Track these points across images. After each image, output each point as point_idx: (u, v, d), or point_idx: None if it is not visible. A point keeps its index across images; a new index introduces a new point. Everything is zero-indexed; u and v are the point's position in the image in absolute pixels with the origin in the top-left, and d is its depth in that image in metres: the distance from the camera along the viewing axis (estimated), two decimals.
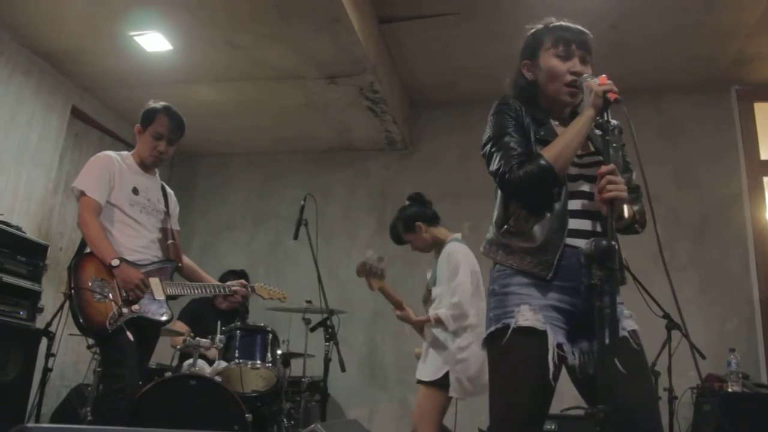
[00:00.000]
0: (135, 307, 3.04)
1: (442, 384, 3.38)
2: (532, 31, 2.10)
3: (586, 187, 1.95)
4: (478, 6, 4.87)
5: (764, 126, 5.71)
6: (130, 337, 2.95)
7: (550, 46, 2.01)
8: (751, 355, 5.04)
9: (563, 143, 1.88)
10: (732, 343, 4.61)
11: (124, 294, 3.02)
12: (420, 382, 3.49)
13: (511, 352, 1.84)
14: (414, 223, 3.63)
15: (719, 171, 5.61)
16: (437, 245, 3.66)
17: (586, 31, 2.03)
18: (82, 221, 3.08)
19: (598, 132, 1.95)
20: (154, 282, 3.18)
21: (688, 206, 5.59)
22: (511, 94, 2.10)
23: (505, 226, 1.97)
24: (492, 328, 1.89)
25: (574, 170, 1.95)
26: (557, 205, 1.89)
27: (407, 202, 3.76)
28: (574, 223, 1.90)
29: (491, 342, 1.90)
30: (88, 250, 3.11)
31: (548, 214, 1.90)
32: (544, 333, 1.81)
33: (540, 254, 1.87)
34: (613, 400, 1.58)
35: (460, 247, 3.55)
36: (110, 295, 2.99)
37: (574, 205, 1.93)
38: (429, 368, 3.46)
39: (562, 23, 2.04)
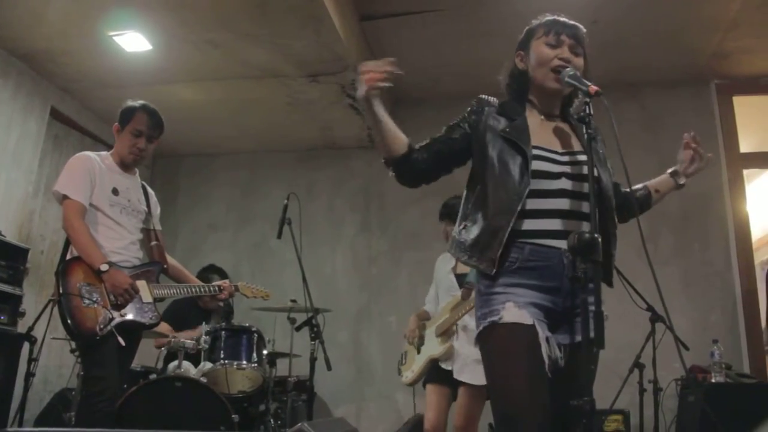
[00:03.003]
0: (124, 311, 3.02)
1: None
2: (528, 27, 2.14)
3: (568, 185, 1.94)
4: (460, 3, 4.87)
5: (743, 119, 5.77)
6: (122, 342, 2.92)
7: (541, 34, 2.06)
8: (733, 346, 5.10)
9: (379, 139, 2.13)
10: (715, 335, 4.65)
11: (113, 298, 2.99)
12: (466, 384, 3.46)
13: (501, 346, 1.86)
14: None
15: None
16: None
17: (579, 25, 2.07)
18: (69, 225, 3.04)
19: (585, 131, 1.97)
20: (141, 285, 3.15)
21: (670, 199, 5.55)
22: (503, 84, 2.17)
23: (463, 223, 2.04)
24: (480, 327, 1.91)
25: (554, 168, 1.95)
26: (511, 203, 1.90)
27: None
28: (557, 224, 1.91)
29: (482, 341, 1.93)
30: (72, 253, 3.08)
31: (496, 210, 1.93)
32: (531, 327, 1.83)
33: (486, 251, 1.91)
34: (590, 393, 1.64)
35: None
36: (99, 300, 2.96)
37: (561, 204, 1.93)
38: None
39: (556, 17, 2.08)
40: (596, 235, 1.66)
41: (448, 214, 3.74)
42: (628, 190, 2.25)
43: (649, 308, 3.82)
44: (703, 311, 5.31)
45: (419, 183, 2.16)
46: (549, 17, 2.09)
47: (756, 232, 5.78)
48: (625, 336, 3.98)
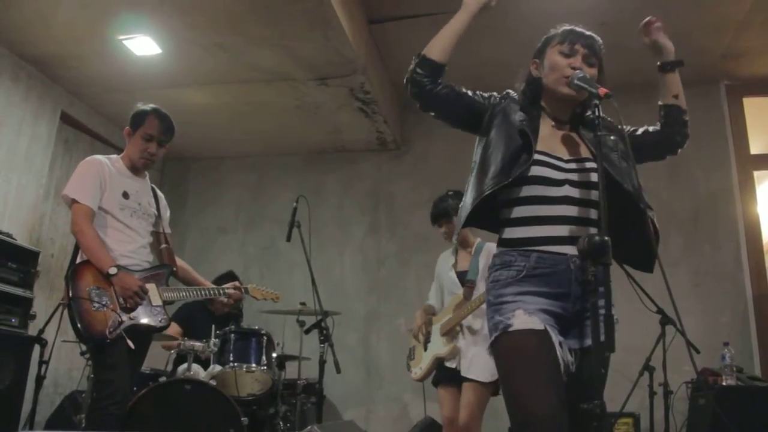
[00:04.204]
0: (133, 314, 3.02)
1: (496, 386, 3.38)
2: (545, 36, 2.17)
3: (574, 193, 1.95)
4: None
5: (754, 120, 5.74)
6: (131, 345, 2.93)
7: (557, 43, 2.08)
8: (744, 349, 5.07)
9: (438, 34, 2.10)
10: (725, 337, 4.62)
11: (122, 301, 3.00)
12: (473, 381, 3.46)
13: (514, 354, 1.86)
14: None
15: (710, 166, 5.64)
16: (464, 241, 3.72)
17: (597, 37, 2.10)
18: (77, 229, 3.05)
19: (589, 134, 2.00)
20: (151, 288, 3.15)
21: (680, 201, 5.61)
22: (518, 90, 2.19)
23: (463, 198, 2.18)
24: (492, 337, 1.91)
25: (557, 174, 1.95)
26: (481, 186, 1.98)
27: (450, 192, 3.76)
28: (564, 231, 1.91)
29: (495, 349, 1.93)
30: (82, 257, 3.08)
31: (471, 191, 2.05)
32: (543, 332, 1.83)
33: (459, 224, 2.10)
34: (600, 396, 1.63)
35: None
36: (109, 304, 2.97)
37: (567, 211, 1.93)
38: (490, 368, 3.32)
39: (573, 27, 2.11)
40: (606, 238, 1.65)
41: (436, 217, 3.78)
42: (658, 127, 2.20)
43: (660, 311, 3.80)
44: (713, 313, 5.28)
45: (421, 99, 2.16)
46: (566, 27, 2.11)
47: (767, 234, 5.74)
48: (634, 339, 3.96)
